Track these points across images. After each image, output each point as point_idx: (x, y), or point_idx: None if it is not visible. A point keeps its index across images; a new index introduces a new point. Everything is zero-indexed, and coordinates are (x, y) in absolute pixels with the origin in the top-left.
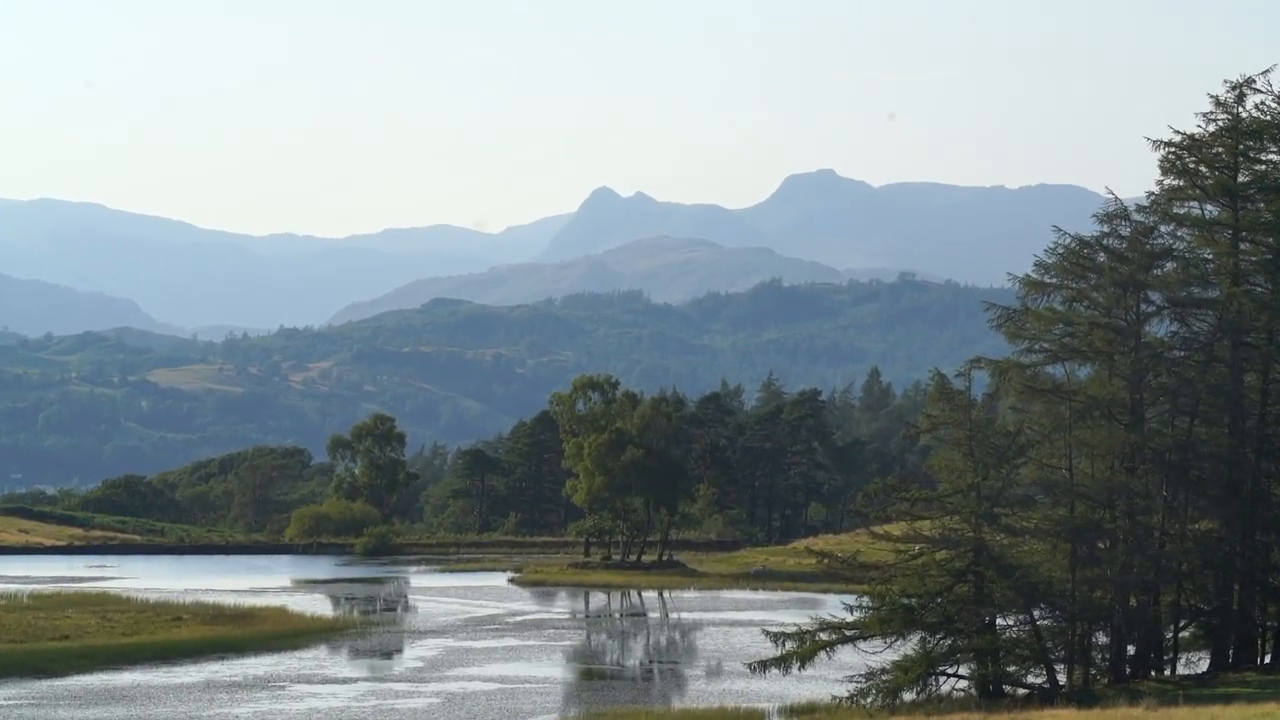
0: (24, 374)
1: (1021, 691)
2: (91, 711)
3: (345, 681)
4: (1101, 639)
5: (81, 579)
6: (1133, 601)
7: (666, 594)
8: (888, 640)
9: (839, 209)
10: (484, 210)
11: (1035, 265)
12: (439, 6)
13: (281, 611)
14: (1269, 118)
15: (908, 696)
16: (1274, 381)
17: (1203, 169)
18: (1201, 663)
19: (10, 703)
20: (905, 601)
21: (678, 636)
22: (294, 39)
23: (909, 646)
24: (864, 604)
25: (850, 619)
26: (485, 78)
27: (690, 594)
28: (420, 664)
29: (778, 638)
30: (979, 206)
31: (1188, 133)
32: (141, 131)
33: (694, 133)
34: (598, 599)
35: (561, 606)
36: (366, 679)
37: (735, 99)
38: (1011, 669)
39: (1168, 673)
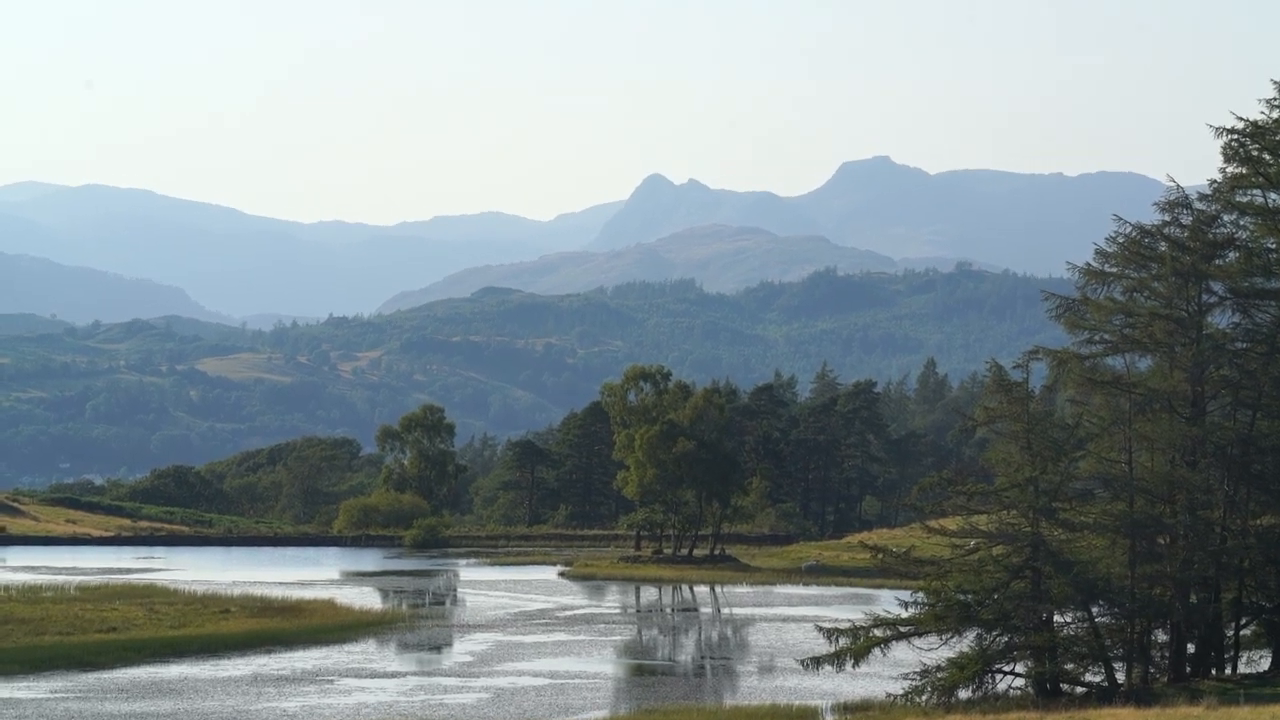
0: (71, 362)
1: (1079, 690)
2: (138, 704)
3: (394, 676)
4: (1161, 636)
5: (129, 570)
6: (1193, 598)
7: (718, 588)
8: (943, 637)
9: (894, 197)
10: (535, 198)
11: (1095, 254)
12: None
13: (330, 604)
14: None
15: (963, 694)
16: None
17: (1266, 156)
18: (1263, 661)
19: (57, 695)
20: (961, 598)
21: (730, 632)
22: (342, 29)
23: (965, 643)
24: (919, 600)
25: (905, 615)
26: (537, 61)
27: (742, 589)
28: (469, 658)
29: (831, 634)
30: (1038, 194)
31: (1251, 119)
32: (190, 118)
33: (747, 119)
34: (649, 593)
35: (612, 601)
36: (415, 673)
37: (789, 84)
38: (1069, 667)
39: (1229, 671)
